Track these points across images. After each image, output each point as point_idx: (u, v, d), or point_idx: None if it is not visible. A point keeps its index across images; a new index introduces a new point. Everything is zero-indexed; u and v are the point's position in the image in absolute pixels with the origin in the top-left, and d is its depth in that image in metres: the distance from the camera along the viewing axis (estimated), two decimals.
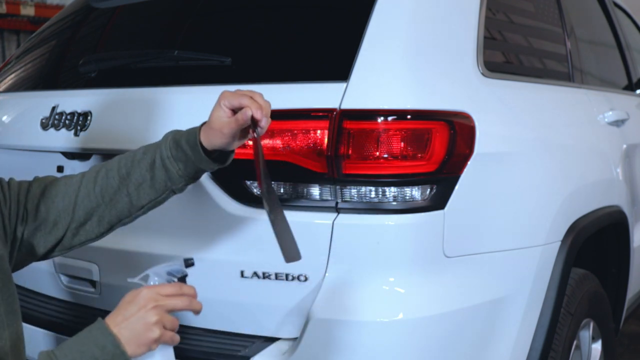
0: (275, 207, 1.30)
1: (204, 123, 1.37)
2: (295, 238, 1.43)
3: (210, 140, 1.35)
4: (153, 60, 1.83)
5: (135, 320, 1.13)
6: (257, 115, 1.28)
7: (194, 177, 1.41)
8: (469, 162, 1.57)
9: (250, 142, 1.43)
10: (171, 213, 1.70)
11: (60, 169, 1.90)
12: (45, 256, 1.43)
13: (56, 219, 1.39)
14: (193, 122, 1.63)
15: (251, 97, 1.30)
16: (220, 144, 1.35)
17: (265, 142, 1.56)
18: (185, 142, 1.36)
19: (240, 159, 1.58)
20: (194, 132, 1.36)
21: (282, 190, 1.57)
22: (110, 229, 1.44)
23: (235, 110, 1.32)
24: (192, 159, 1.36)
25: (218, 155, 1.39)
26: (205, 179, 1.63)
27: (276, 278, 1.57)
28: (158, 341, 1.15)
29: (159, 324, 1.14)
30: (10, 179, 1.41)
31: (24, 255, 1.39)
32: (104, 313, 1.78)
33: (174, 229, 1.72)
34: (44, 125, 1.87)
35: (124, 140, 1.74)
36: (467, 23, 1.75)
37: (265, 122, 1.30)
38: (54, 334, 1.81)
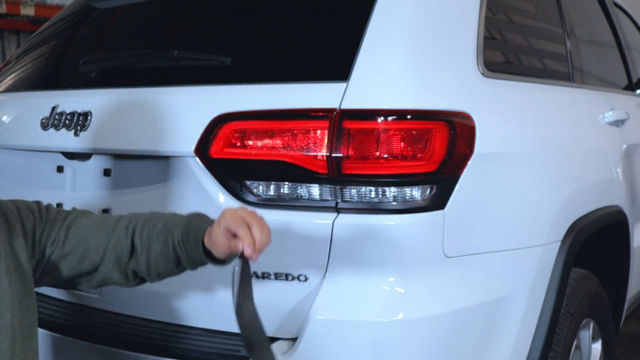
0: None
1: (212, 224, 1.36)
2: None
3: (210, 247, 1.35)
4: (153, 60, 1.83)
5: None
6: (247, 252, 1.25)
7: (201, 263, 1.42)
8: (469, 162, 1.57)
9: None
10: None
11: (60, 169, 1.90)
12: (67, 284, 1.47)
13: (84, 255, 1.42)
14: (192, 122, 1.63)
15: (249, 227, 1.27)
16: (217, 255, 1.34)
17: (266, 142, 1.56)
18: (193, 235, 1.37)
19: (240, 158, 1.58)
20: (201, 231, 1.36)
21: (282, 191, 1.57)
22: (135, 281, 1.47)
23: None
24: (197, 252, 1.37)
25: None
26: (206, 179, 1.62)
27: (276, 278, 1.57)
28: None
29: None
30: (49, 205, 1.46)
31: (46, 275, 1.42)
32: (105, 313, 1.79)
33: None
34: (44, 125, 1.87)
35: (124, 140, 1.74)
36: (467, 23, 1.75)
37: (255, 257, 1.27)
38: (55, 334, 1.81)
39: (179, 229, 1.39)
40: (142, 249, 1.41)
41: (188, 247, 1.37)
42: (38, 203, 1.43)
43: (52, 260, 1.40)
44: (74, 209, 1.49)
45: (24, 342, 1.25)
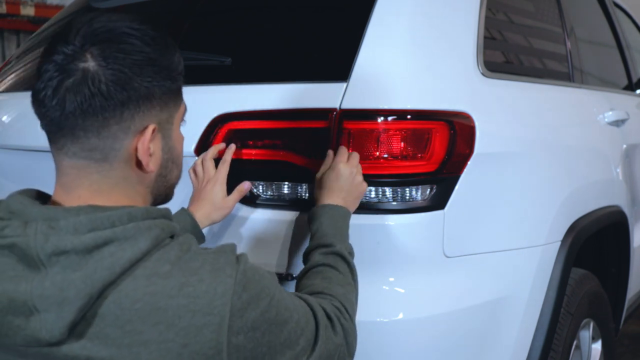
0: None
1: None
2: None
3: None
4: None
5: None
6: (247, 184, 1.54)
7: None
8: (469, 162, 1.57)
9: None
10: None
11: None
12: None
13: None
14: (192, 122, 1.63)
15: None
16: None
17: (266, 142, 1.56)
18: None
19: (241, 159, 1.58)
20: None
21: (282, 191, 1.57)
22: None
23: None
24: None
25: None
26: None
27: None
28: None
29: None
30: None
31: None
32: None
33: None
34: None
35: None
36: (467, 23, 1.75)
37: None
38: None
39: None
40: None
41: None
42: None
43: None
44: None
45: None
